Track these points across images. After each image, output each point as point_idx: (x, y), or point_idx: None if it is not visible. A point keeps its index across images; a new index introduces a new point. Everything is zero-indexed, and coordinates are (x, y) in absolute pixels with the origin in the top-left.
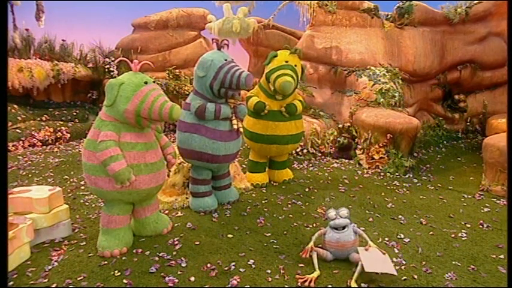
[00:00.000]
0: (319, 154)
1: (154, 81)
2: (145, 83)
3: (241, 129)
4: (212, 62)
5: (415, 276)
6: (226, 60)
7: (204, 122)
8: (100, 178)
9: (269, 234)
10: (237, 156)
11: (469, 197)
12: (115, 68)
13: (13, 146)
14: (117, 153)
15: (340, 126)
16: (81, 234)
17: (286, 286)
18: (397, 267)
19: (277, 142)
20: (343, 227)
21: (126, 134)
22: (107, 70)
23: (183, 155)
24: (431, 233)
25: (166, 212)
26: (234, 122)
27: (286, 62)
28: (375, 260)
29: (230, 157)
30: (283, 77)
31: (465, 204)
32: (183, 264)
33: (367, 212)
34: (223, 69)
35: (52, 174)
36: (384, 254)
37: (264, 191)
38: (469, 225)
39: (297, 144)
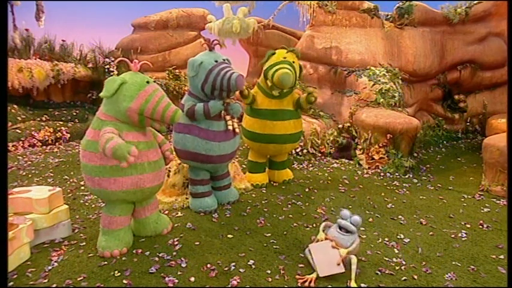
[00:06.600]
0: (319, 154)
1: (154, 82)
2: (147, 82)
3: (237, 130)
4: (202, 64)
5: (415, 277)
6: (217, 61)
7: (196, 123)
8: (104, 179)
9: (269, 234)
10: (235, 156)
11: (469, 197)
12: (115, 68)
13: (13, 146)
14: (112, 135)
15: (340, 126)
16: (81, 235)
17: (286, 286)
18: (397, 268)
19: (274, 141)
20: (347, 231)
21: (128, 134)
22: (106, 70)
23: (179, 155)
24: (431, 233)
25: (166, 212)
26: (229, 122)
27: (284, 58)
28: (327, 261)
29: (225, 157)
30: (282, 69)
31: (465, 204)
32: (183, 265)
33: (367, 212)
34: (213, 73)
35: (52, 174)
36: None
37: (264, 191)
38: (469, 226)
39: (296, 144)
